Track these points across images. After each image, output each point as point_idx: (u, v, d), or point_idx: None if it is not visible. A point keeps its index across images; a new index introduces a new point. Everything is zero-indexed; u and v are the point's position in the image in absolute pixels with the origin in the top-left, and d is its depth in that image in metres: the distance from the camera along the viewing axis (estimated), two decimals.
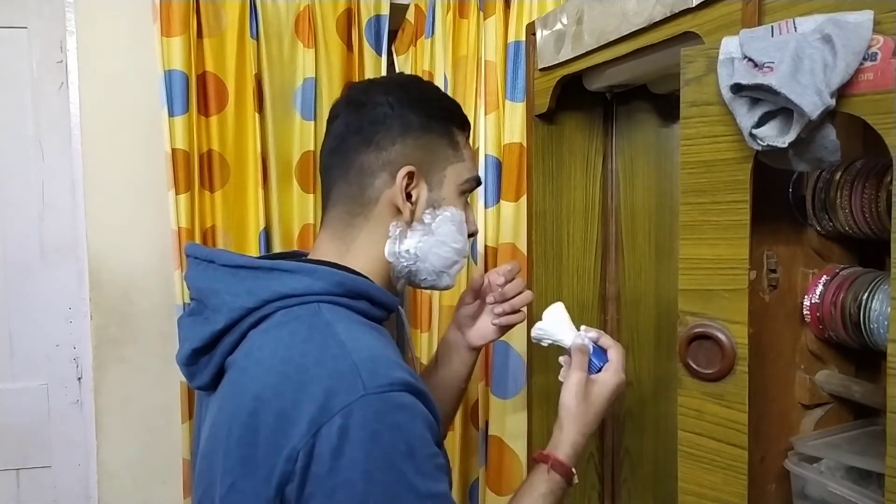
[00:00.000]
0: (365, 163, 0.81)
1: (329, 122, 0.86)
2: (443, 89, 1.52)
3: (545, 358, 1.31)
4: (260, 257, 0.84)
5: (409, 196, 0.81)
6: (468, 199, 0.90)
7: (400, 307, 0.87)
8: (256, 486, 0.65)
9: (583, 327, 0.93)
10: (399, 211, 0.81)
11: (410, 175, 0.80)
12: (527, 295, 1.01)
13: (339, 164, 0.82)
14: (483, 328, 1.03)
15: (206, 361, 0.76)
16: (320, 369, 0.66)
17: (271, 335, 0.71)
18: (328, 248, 0.83)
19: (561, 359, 0.95)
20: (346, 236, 0.82)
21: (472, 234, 0.90)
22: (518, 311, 1.01)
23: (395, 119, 0.81)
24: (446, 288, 0.89)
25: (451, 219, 0.84)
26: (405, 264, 0.83)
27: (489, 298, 1.02)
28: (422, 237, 0.82)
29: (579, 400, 0.85)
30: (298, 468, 0.63)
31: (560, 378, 0.92)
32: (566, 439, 0.84)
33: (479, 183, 0.90)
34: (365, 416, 0.63)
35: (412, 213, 0.81)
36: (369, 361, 0.67)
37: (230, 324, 0.73)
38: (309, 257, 0.84)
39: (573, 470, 0.83)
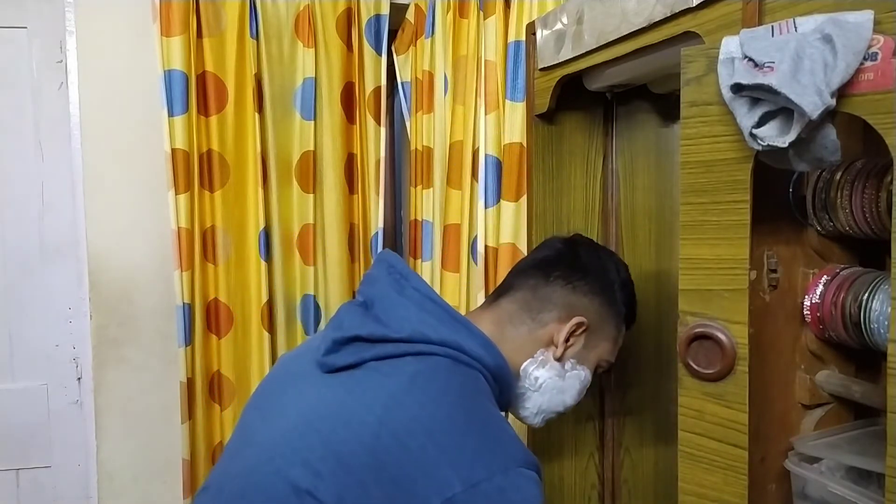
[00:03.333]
0: (556, 294, 0.93)
1: (543, 244, 1.01)
2: (443, 89, 1.53)
3: None
4: (449, 306, 0.90)
5: (566, 339, 0.92)
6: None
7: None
8: (365, 490, 0.69)
9: None
10: (552, 344, 0.92)
11: (580, 325, 0.92)
12: None
13: (536, 277, 0.94)
14: None
15: (356, 349, 0.81)
16: (488, 428, 0.74)
17: (440, 376, 0.78)
18: (487, 326, 0.91)
19: None
20: (505, 329, 0.92)
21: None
22: None
23: (599, 279, 0.94)
24: (530, 425, 0.99)
25: (581, 379, 0.94)
26: (526, 386, 0.92)
27: None
28: (554, 376, 0.92)
29: None
30: None
31: None
32: None
33: (610, 367, 1.01)
34: (516, 482, 0.71)
35: (563, 353, 0.92)
36: (515, 438, 0.76)
37: (405, 339, 0.79)
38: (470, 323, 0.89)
39: None
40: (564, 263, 0.95)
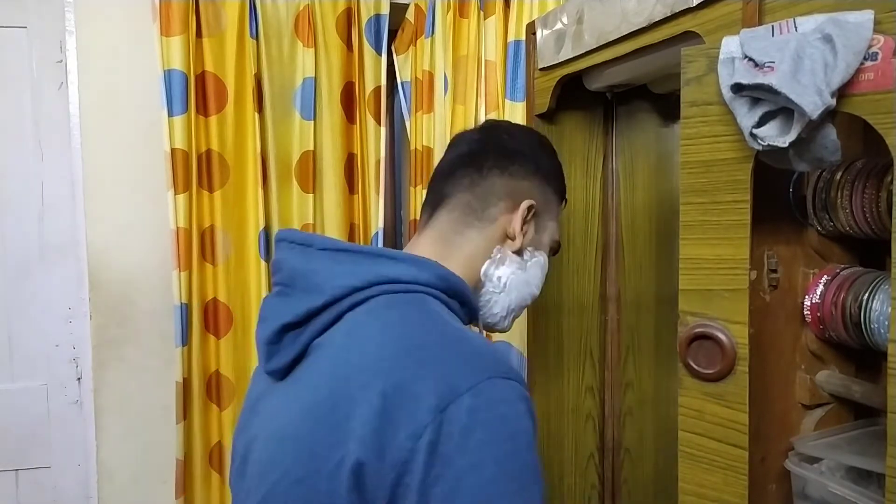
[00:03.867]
0: (497, 185, 0.84)
1: (458, 141, 0.92)
2: (443, 89, 1.53)
3: (546, 357, 1.31)
4: (360, 245, 0.85)
5: (522, 227, 0.84)
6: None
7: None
8: (370, 463, 0.61)
9: None
10: (507, 237, 0.84)
11: (531, 209, 0.85)
12: None
13: (469, 175, 0.86)
14: None
15: (291, 339, 0.73)
16: (442, 349, 0.65)
17: (378, 316, 0.70)
18: (429, 247, 0.83)
19: None
20: (452, 242, 0.84)
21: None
22: None
23: (531, 159, 0.87)
24: (503, 331, 0.91)
25: (542, 265, 0.89)
26: (490, 290, 0.85)
27: None
28: (516, 270, 0.85)
29: None
30: (423, 445, 0.59)
31: None
32: None
33: (559, 250, 0.96)
34: (493, 397, 0.62)
35: (520, 244, 0.85)
36: (490, 349, 0.67)
37: (331, 301, 0.72)
38: (398, 251, 0.83)
39: None
40: (493, 152, 0.86)
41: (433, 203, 0.88)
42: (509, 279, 0.84)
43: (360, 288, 0.72)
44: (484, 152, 0.87)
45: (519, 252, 0.85)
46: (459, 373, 0.62)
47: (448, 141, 1.51)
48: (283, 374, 0.74)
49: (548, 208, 0.89)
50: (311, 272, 0.74)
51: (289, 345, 0.73)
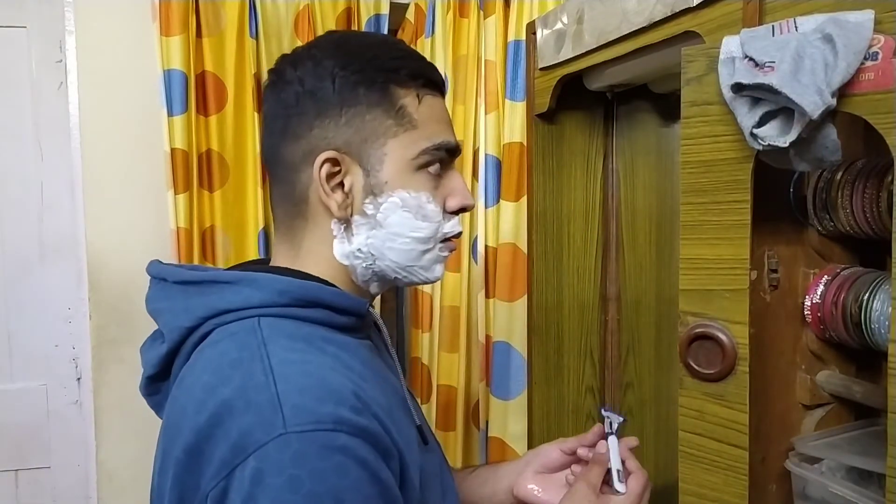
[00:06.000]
0: (287, 156, 0.68)
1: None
2: None
3: (546, 357, 1.31)
4: (214, 269, 0.75)
5: (342, 186, 0.67)
6: (451, 169, 0.73)
7: (373, 311, 0.75)
8: None
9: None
10: (329, 214, 0.68)
11: (332, 162, 0.66)
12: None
13: (270, 161, 0.72)
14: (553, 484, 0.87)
15: (165, 390, 0.68)
16: (240, 401, 0.56)
17: (204, 356, 0.63)
18: (280, 253, 0.73)
19: (574, 466, 0.87)
20: (292, 240, 0.71)
21: (463, 210, 0.74)
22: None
23: (306, 98, 0.67)
24: (436, 280, 0.75)
25: (402, 204, 0.68)
26: (365, 265, 0.70)
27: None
28: (369, 232, 0.69)
29: None
30: None
31: (568, 479, 0.86)
32: None
33: (450, 151, 0.72)
34: (282, 459, 0.53)
35: (349, 206, 0.68)
36: (297, 393, 0.56)
37: (174, 347, 0.66)
38: (267, 265, 0.75)
39: None
40: (270, 119, 0.71)
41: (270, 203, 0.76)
42: (369, 245, 0.69)
43: (194, 327, 0.64)
44: (268, 121, 0.71)
45: (351, 215, 0.68)
46: (248, 431, 0.54)
47: None
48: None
49: (369, 135, 0.67)
50: (158, 313, 0.68)
51: (165, 395, 0.68)
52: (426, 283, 0.75)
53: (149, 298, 0.71)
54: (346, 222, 0.69)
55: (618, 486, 0.79)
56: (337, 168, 0.67)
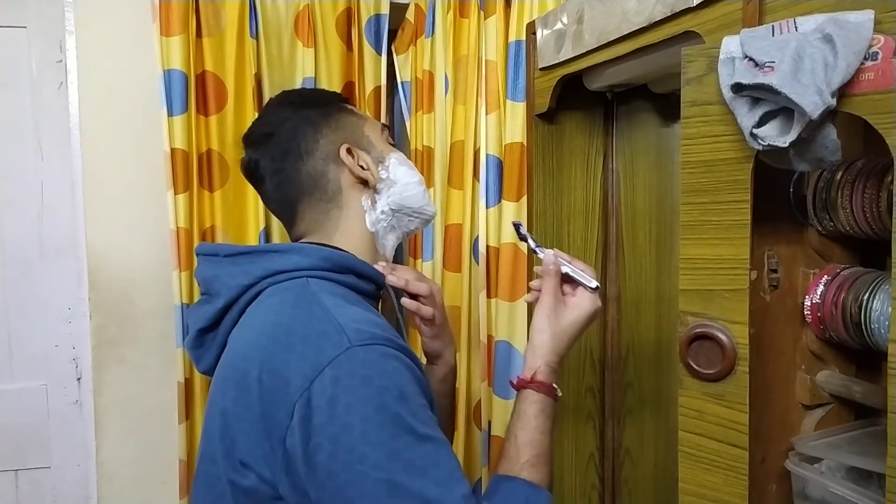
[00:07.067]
0: (311, 171, 0.88)
1: (254, 167, 0.91)
2: (443, 89, 1.53)
3: None
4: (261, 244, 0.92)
5: (361, 167, 0.88)
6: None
7: (389, 285, 0.91)
8: (258, 442, 0.69)
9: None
10: (360, 183, 0.89)
11: (349, 150, 0.88)
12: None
13: (291, 190, 0.89)
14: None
15: (210, 340, 0.84)
16: (307, 330, 0.71)
17: (263, 305, 0.78)
18: (313, 239, 0.89)
19: (532, 283, 0.93)
20: (326, 230, 0.89)
21: None
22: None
23: (300, 125, 0.89)
24: (433, 215, 0.96)
25: (399, 161, 0.92)
26: (389, 222, 0.90)
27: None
28: (388, 191, 0.90)
29: (551, 322, 0.86)
30: (296, 421, 0.66)
31: (528, 299, 0.94)
32: (542, 361, 0.85)
33: (387, 125, 0.98)
34: (353, 365, 0.67)
35: (374, 175, 0.89)
36: (353, 322, 0.72)
37: (230, 302, 0.80)
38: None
39: (555, 385, 0.86)
40: (279, 159, 0.89)
41: (288, 222, 0.92)
42: (391, 202, 0.89)
43: (251, 284, 0.80)
44: (275, 164, 0.89)
45: (378, 183, 0.89)
46: (321, 350, 0.69)
47: (449, 140, 1.52)
48: (212, 372, 0.83)
49: (352, 128, 0.91)
50: (214, 279, 0.83)
51: (209, 346, 0.84)
52: (430, 219, 0.96)
53: (199, 270, 0.87)
54: (375, 191, 0.89)
55: (592, 283, 0.88)
56: (353, 154, 0.88)
